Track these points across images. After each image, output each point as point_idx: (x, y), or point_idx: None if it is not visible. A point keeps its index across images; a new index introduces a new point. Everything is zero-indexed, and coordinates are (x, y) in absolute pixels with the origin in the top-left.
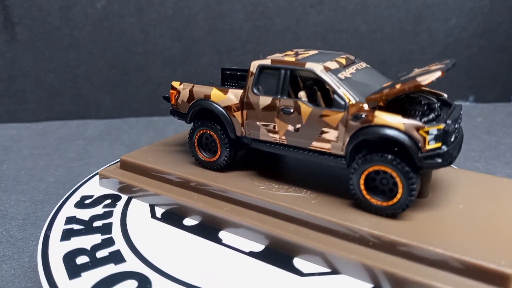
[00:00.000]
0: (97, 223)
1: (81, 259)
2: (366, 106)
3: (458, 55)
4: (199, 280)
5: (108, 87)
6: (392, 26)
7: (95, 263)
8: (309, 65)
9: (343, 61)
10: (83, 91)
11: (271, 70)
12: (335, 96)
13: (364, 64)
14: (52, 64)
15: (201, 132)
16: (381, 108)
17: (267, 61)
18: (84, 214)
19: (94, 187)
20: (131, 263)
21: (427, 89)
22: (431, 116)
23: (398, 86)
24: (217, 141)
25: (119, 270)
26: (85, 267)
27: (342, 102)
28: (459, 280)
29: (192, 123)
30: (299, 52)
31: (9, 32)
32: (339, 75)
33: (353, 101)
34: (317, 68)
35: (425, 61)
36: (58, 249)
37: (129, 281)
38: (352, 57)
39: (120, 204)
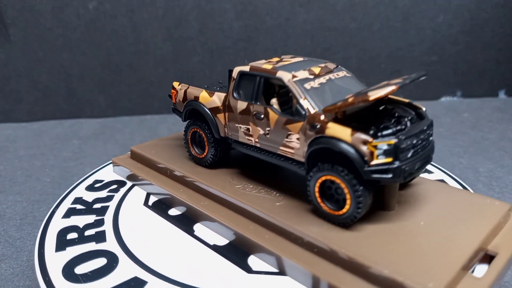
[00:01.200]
0: (96, 205)
1: (71, 235)
2: (322, 117)
3: (445, 51)
4: (158, 265)
5: (101, 86)
6: (380, 24)
7: (81, 240)
8: (279, 74)
9: (317, 71)
10: (77, 90)
11: (249, 77)
12: (297, 105)
13: (343, 74)
14: (46, 65)
15: (193, 130)
16: (338, 120)
17: (246, 68)
18: (90, 196)
19: (108, 173)
20: (109, 244)
21: (407, 101)
22: (389, 130)
23: (350, 99)
24: (205, 140)
25: (97, 248)
26: (72, 242)
27: (302, 112)
28: None
29: (186, 121)
30: (284, 59)
31: (2, 33)
32: (306, 85)
33: (312, 111)
34: (286, 77)
35: (413, 57)
36: (56, 225)
37: (100, 259)
38: (331, 67)
39: (123, 190)
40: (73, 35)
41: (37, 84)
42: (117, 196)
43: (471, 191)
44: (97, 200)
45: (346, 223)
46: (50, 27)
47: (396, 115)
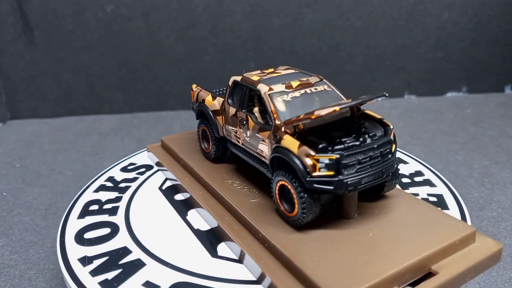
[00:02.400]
0: (122, 184)
1: (93, 207)
2: (283, 128)
3: (450, 48)
4: (146, 240)
5: (119, 84)
6: (385, 22)
7: (98, 211)
8: (259, 86)
9: (295, 84)
10: (96, 88)
11: (239, 86)
12: (267, 115)
13: (322, 88)
14: (68, 65)
15: (202, 128)
16: (297, 132)
17: (238, 78)
18: (121, 176)
19: (143, 158)
20: (118, 217)
21: (379, 117)
22: (340, 146)
23: (301, 115)
24: (209, 137)
25: (107, 220)
26: (91, 213)
27: (270, 122)
28: None
29: (198, 120)
30: (277, 71)
31: (28, 36)
32: (278, 97)
33: (277, 122)
34: (263, 89)
35: (418, 54)
36: (85, 198)
37: (106, 229)
38: (313, 81)
39: (147, 174)
40: (93, 36)
41: (60, 83)
42: (141, 179)
43: (457, 193)
44: (124, 180)
45: (295, 225)
46: (71, 30)
47: (363, 130)
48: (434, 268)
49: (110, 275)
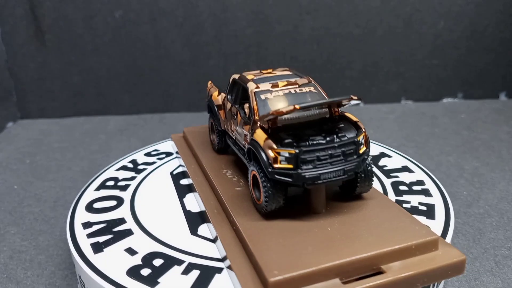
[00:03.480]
0: (141, 166)
1: (109, 183)
2: (258, 123)
3: (446, 55)
4: (142, 215)
5: (126, 87)
6: (383, 30)
7: (113, 187)
8: (248, 84)
9: (282, 84)
10: (104, 90)
11: (236, 83)
12: (249, 111)
13: (307, 89)
14: (77, 67)
15: (211, 121)
16: (269, 128)
17: (236, 76)
18: (143, 159)
19: (167, 146)
20: (126, 193)
21: (355, 119)
22: (303, 143)
23: (271, 112)
24: (215, 129)
25: (116, 194)
26: (106, 187)
27: (251, 117)
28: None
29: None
30: (273, 72)
31: (39, 39)
32: (262, 95)
33: (256, 118)
34: (250, 87)
35: (415, 61)
36: (108, 174)
37: (112, 201)
38: (301, 82)
39: (165, 160)
40: (102, 40)
41: (69, 85)
42: (158, 163)
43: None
44: (144, 163)
45: (261, 212)
46: (81, 34)
47: (335, 131)
48: (384, 267)
49: (101, 239)
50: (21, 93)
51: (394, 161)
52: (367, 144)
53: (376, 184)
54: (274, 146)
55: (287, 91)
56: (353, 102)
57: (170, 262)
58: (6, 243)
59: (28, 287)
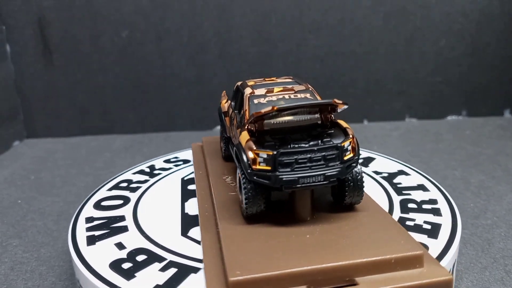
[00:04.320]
0: (157, 171)
1: (123, 184)
2: (246, 126)
3: (449, 72)
4: (141, 216)
5: (131, 105)
6: (385, 48)
7: (124, 188)
8: (244, 90)
9: (277, 90)
10: (110, 109)
11: (238, 90)
12: (242, 114)
13: (303, 95)
14: (83, 86)
15: (221, 129)
16: (256, 131)
17: (239, 83)
18: (160, 165)
19: (187, 154)
20: (135, 195)
21: (345, 126)
22: (287, 145)
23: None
24: (222, 136)
25: (125, 195)
26: (119, 188)
27: (243, 121)
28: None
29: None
30: (276, 79)
31: (47, 58)
32: (255, 100)
33: (245, 121)
34: (246, 92)
35: (418, 78)
36: (122, 177)
37: (119, 201)
38: (298, 88)
39: (181, 166)
40: (108, 59)
41: (75, 103)
42: (174, 169)
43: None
44: (161, 169)
45: (243, 214)
46: (88, 53)
47: (323, 136)
48: (358, 280)
49: (97, 233)
50: (28, 112)
51: (411, 179)
52: (355, 151)
53: (384, 200)
54: (254, 147)
55: (281, 97)
56: (343, 107)
57: (152, 258)
58: (7, 254)
59: None
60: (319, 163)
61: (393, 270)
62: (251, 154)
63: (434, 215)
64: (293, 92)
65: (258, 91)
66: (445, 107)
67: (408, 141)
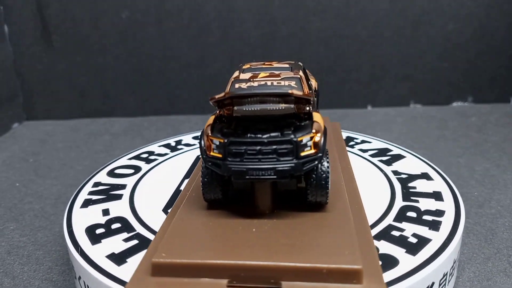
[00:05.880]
0: (181, 146)
1: (144, 155)
2: (218, 111)
3: (456, 58)
4: (138, 188)
5: (132, 88)
6: (391, 32)
7: (144, 159)
8: (235, 72)
9: (262, 75)
10: (110, 92)
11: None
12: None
13: (288, 83)
14: (83, 68)
15: None
16: (225, 117)
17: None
18: (188, 141)
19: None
20: (147, 165)
21: (316, 119)
22: (246, 135)
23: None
24: None
25: (138, 165)
26: (139, 158)
27: None
28: None
29: None
30: (271, 64)
31: (46, 40)
32: (237, 84)
33: None
34: (234, 75)
35: (424, 63)
36: (148, 149)
37: (130, 170)
38: (284, 75)
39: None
40: (108, 42)
41: (75, 86)
42: (197, 146)
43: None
44: (186, 145)
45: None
46: (88, 35)
47: (291, 128)
48: (284, 284)
49: (94, 197)
50: (28, 94)
51: (413, 166)
52: (318, 148)
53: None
54: (209, 133)
55: (263, 83)
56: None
57: (124, 228)
58: (4, 238)
59: (24, 282)
60: (269, 156)
61: (325, 281)
62: (206, 140)
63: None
64: (278, 78)
65: (244, 76)
66: (451, 93)
67: (412, 127)
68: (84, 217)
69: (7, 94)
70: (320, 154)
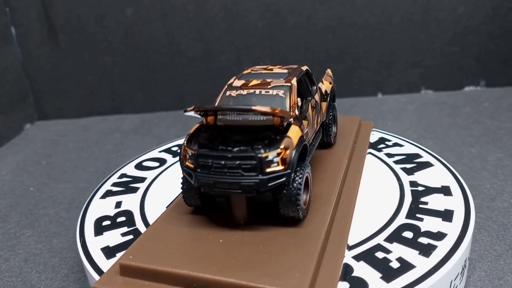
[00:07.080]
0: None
1: (175, 148)
2: (204, 120)
3: (467, 42)
4: (156, 182)
5: (140, 85)
6: (400, 17)
7: (173, 152)
8: (231, 79)
9: (253, 83)
10: (118, 89)
11: None
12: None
13: (274, 92)
14: (91, 66)
15: None
16: (206, 126)
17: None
18: (168, 158)
19: None
20: (174, 159)
21: (289, 134)
22: (219, 147)
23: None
24: None
25: (164, 157)
26: (170, 151)
27: None
28: None
29: None
30: (272, 68)
31: (53, 40)
32: (228, 92)
33: None
34: (229, 81)
35: (434, 49)
36: (142, 157)
37: (156, 163)
38: (275, 84)
39: None
40: (114, 39)
41: (83, 84)
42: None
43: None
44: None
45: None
46: (94, 33)
47: (264, 141)
48: None
49: (115, 189)
50: (38, 94)
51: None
52: (287, 165)
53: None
54: (185, 143)
55: (252, 91)
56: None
57: (127, 222)
58: (21, 246)
59: None
60: (235, 171)
61: None
62: (183, 149)
63: (446, 216)
64: (267, 87)
65: (237, 83)
66: (463, 78)
67: (423, 115)
68: (99, 208)
69: (18, 95)
70: (288, 171)
